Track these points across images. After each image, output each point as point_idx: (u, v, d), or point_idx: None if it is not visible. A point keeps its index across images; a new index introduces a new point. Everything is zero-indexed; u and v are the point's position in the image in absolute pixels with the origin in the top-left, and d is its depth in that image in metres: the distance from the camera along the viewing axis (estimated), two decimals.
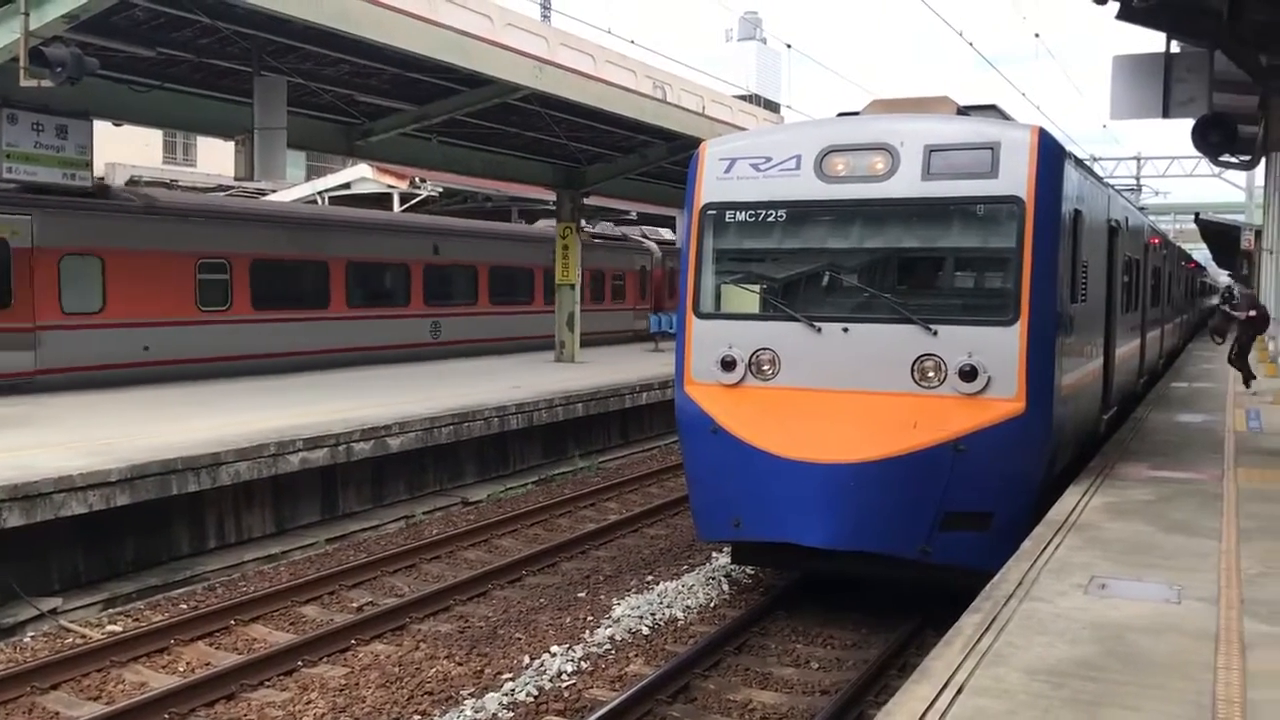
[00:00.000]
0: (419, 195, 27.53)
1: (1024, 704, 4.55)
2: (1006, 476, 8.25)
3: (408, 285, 23.21)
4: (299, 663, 8.29)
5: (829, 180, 8.88)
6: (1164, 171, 48.04)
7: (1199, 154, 15.93)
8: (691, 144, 16.66)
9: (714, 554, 11.38)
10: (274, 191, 28.49)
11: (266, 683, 7.97)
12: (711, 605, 9.70)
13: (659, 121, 19.28)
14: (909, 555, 8.25)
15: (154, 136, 35.39)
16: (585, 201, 24.48)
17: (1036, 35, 35.83)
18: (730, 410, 8.85)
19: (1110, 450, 11.15)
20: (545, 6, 45.04)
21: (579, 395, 17.42)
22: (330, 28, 12.55)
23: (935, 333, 8.43)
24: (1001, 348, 8.28)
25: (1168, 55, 12.51)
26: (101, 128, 16.61)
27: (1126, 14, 10.97)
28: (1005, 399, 8.23)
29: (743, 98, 52.79)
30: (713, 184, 9.33)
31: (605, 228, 33.27)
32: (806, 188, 8.94)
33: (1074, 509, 8.30)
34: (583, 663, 8.22)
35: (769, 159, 9.12)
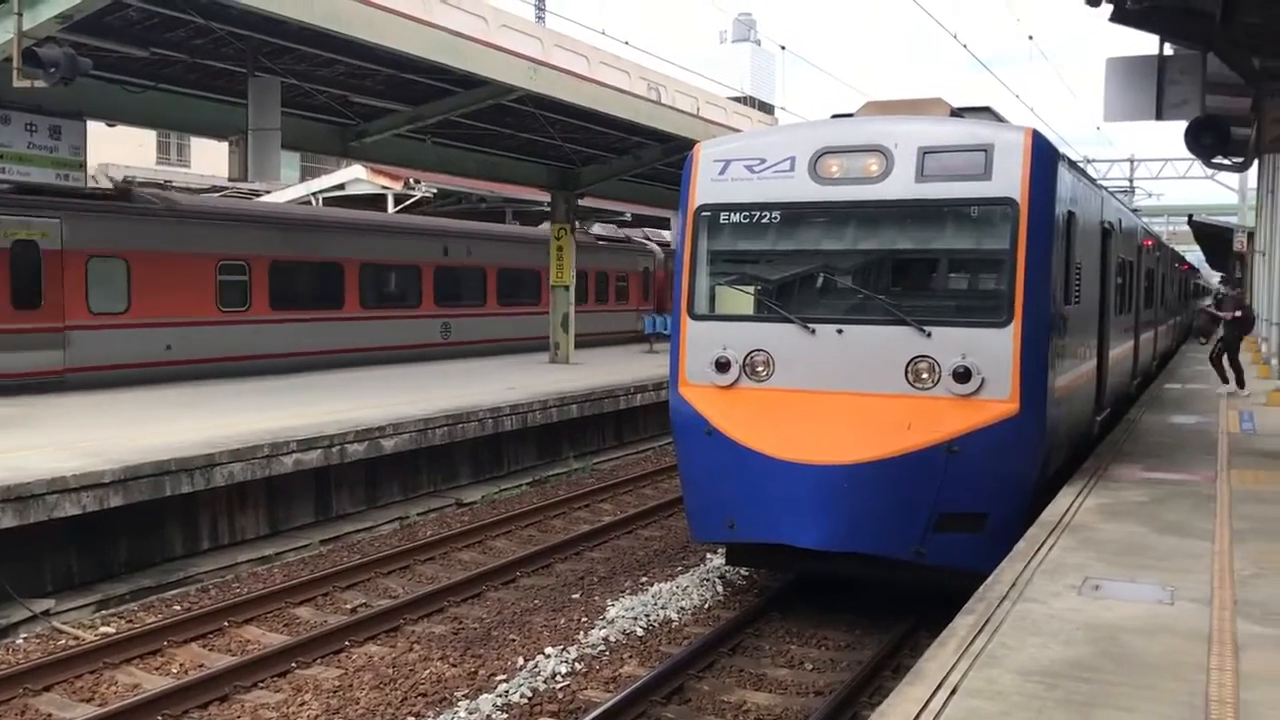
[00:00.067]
0: (413, 196, 27.50)
1: (1017, 705, 4.56)
2: (1000, 478, 8.26)
3: (419, 287, 23.63)
4: (293, 664, 8.28)
5: (823, 182, 8.89)
6: (1157, 173, 48.15)
7: (1192, 156, 15.94)
8: (686, 145, 16.68)
9: (708, 555, 11.38)
10: (268, 193, 28.46)
11: (260, 684, 7.96)
12: (706, 606, 9.70)
13: (653, 123, 19.30)
14: (903, 556, 8.26)
15: (148, 137, 35.30)
16: (580, 203, 24.51)
17: (1030, 38, 35.82)
18: (725, 412, 8.86)
19: (1104, 451, 11.17)
20: (539, 8, 45.01)
21: (573, 397, 17.41)
22: (322, 28, 12.54)
23: (929, 334, 8.45)
24: (995, 349, 8.30)
25: (1161, 58, 12.53)
26: (95, 128, 16.61)
27: (1120, 16, 10.99)
28: (999, 400, 8.25)
29: (737, 99, 52.75)
30: (707, 185, 9.34)
31: (610, 229, 33.32)
32: (801, 189, 8.96)
33: (1068, 510, 8.31)
34: (577, 664, 8.22)
35: (763, 160, 9.13)
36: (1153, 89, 12.49)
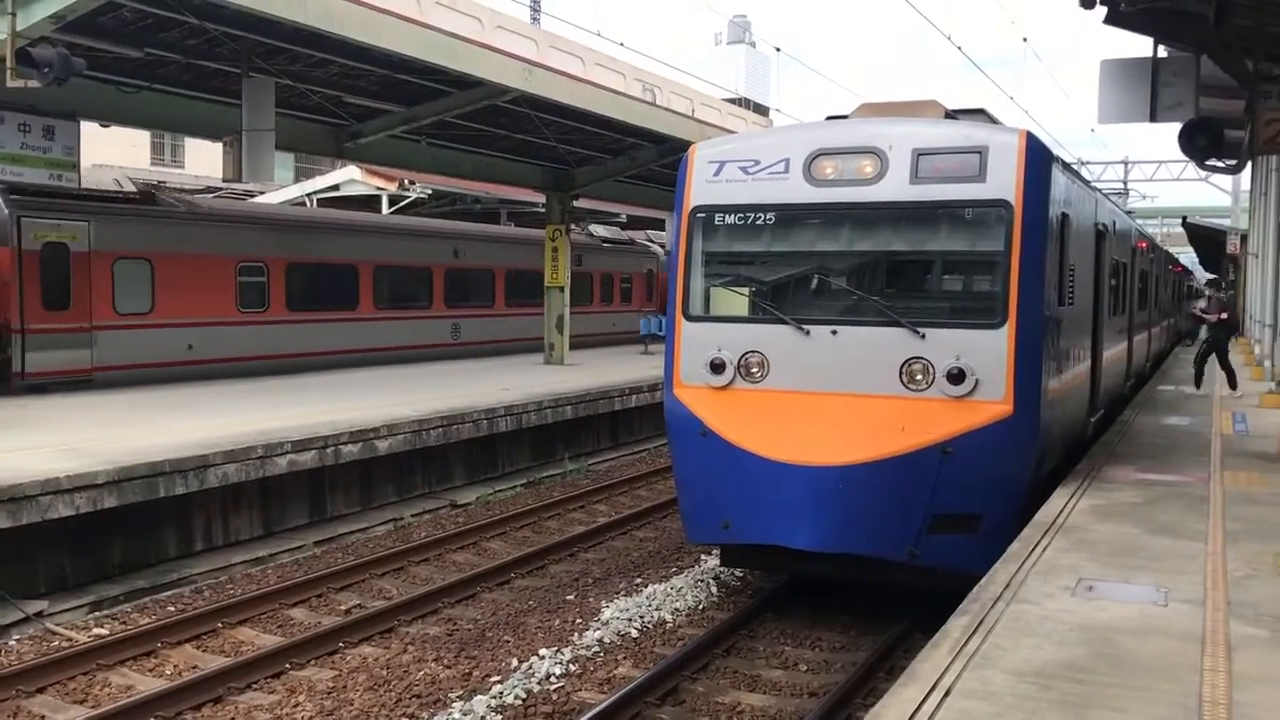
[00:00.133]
0: (408, 197, 27.49)
1: (1011, 706, 4.56)
2: (994, 479, 8.28)
3: (430, 288, 23.95)
4: (287, 665, 8.27)
5: (818, 183, 8.90)
6: (1151, 175, 48.15)
7: (1186, 158, 15.99)
8: (681, 147, 16.68)
9: (703, 556, 11.39)
10: (262, 193, 28.42)
11: (254, 685, 7.95)
12: (700, 608, 9.70)
13: (648, 124, 19.32)
14: (897, 558, 8.27)
15: (141, 137, 35.27)
16: (575, 204, 24.53)
17: (1025, 39, 35.94)
18: (719, 413, 8.86)
19: (1098, 453, 11.19)
20: (535, 9, 45.00)
21: (567, 398, 17.41)
22: (315, 28, 12.53)
23: (923, 335, 8.46)
24: (989, 351, 8.31)
25: (1155, 60, 12.58)
26: (89, 129, 16.63)
27: (1114, 18, 11.02)
28: (993, 401, 8.26)
29: (732, 101, 52.76)
30: (702, 186, 9.34)
31: (613, 232, 33.41)
32: (795, 191, 8.97)
33: (1061, 511, 8.32)
34: (571, 665, 8.22)
35: (758, 162, 9.14)
36: (1147, 91, 12.53)
